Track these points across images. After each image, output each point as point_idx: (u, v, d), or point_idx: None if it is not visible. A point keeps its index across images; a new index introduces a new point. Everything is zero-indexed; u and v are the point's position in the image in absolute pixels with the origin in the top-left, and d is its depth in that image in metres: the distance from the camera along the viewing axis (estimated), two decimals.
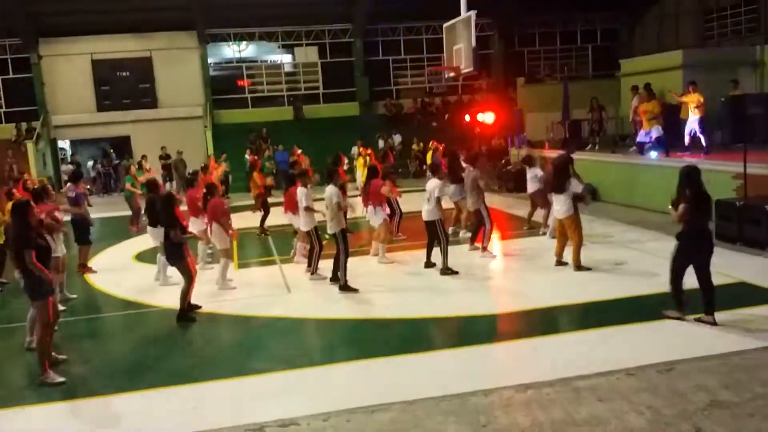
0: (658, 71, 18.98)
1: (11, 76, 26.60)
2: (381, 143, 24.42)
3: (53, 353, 6.84)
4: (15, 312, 8.49)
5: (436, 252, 10.00)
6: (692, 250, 6.83)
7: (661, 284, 8.46)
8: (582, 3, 28.56)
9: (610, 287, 8.63)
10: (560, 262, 9.70)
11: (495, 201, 15.70)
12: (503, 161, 20.20)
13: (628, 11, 29.33)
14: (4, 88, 26.75)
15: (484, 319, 7.82)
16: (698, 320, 6.89)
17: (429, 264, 10.18)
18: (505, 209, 15.55)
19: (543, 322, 7.53)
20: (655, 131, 14.95)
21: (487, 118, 20.04)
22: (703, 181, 6.91)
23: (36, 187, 10.21)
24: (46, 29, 25.62)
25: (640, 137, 15.61)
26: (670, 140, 14.98)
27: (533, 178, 12.11)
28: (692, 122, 14.74)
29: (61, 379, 6.49)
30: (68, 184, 12.15)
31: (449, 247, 9.97)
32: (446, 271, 9.75)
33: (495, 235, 11.83)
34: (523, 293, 8.77)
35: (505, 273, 10.31)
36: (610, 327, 7.16)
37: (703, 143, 14.59)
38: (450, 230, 12.79)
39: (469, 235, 11.79)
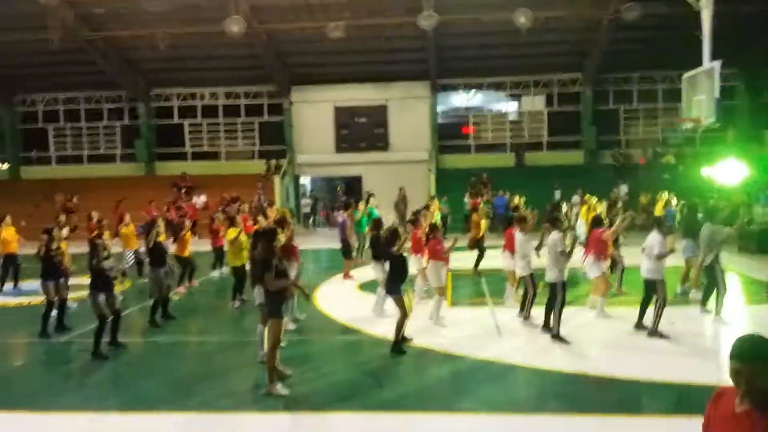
0: None
1: (266, 118, 30.21)
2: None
3: (281, 368, 7.54)
4: (251, 327, 9.31)
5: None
6: None
7: None
8: None
9: None
10: None
11: (733, 261, 14.23)
12: (746, 219, 18.26)
13: None
14: (260, 129, 30.45)
15: (705, 389, 7.08)
16: None
17: (640, 325, 9.38)
18: (745, 272, 14.01)
19: None
20: None
21: (729, 172, 18.33)
22: None
23: (277, 217, 11.55)
24: (297, 78, 28.74)
25: None
26: None
27: None
28: None
29: (285, 392, 7.08)
30: (339, 211, 15.17)
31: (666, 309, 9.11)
32: (654, 333, 8.99)
33: (730, 300, 10.70)
34: None
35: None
36: None
37: None
38: (679, 290, 11.89)
39: (699, 296, 10.81)
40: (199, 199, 25.88)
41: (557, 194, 22.63)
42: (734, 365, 2.61)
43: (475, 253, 14.40)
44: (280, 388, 7.10)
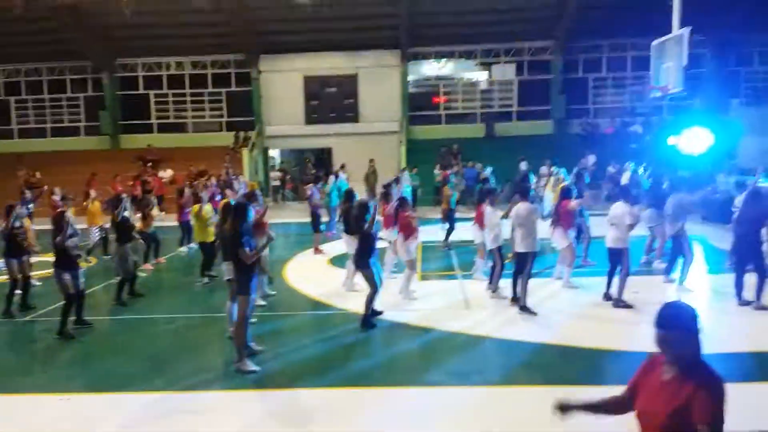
0: None
1: (234, 89, 29.66)
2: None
3: (252, 344, 7.51)
4: (219, 303, 9.24)
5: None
6: None
7: None
8: None
9: None
10: None
11: (697, 230, 14.50)
12: (709, 188, 18.58)
13: None
14: (227, 100, 29.90)
15: None
16: None
17: (608, 296, 9.55)
18: (709, 240, 14.30)
19: (741, 367, 6.83)
20: None
21: (694, 140, 18.58)
22: None
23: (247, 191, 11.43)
24: (266, 47, 28.16)
25: None
26: None
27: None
28: None
29: (255, 368, 7.05)
30: (310, 185, 15.66)
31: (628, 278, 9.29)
32: (619, 303, 9.17)
33: (694, 268, 10.92)
34: (719, 335, 7.97)
35: (702, 311, 9.45)
36: None
37: None
38: (643, 259, 12.10)
39: (663, 265, 11.03)
40: (166, 173, 25.48)
41: (523, 165, 22.69)
42: (659, 333, 2.67)
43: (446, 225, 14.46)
44: (250, 365, 7.08)
